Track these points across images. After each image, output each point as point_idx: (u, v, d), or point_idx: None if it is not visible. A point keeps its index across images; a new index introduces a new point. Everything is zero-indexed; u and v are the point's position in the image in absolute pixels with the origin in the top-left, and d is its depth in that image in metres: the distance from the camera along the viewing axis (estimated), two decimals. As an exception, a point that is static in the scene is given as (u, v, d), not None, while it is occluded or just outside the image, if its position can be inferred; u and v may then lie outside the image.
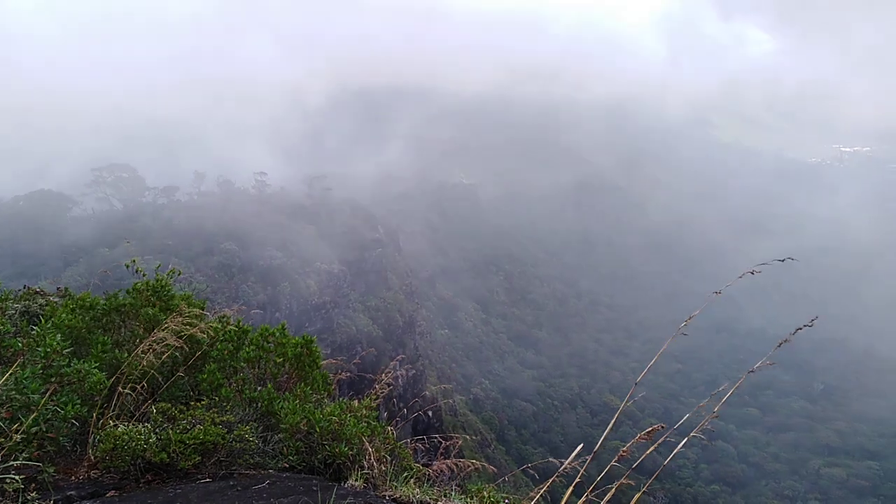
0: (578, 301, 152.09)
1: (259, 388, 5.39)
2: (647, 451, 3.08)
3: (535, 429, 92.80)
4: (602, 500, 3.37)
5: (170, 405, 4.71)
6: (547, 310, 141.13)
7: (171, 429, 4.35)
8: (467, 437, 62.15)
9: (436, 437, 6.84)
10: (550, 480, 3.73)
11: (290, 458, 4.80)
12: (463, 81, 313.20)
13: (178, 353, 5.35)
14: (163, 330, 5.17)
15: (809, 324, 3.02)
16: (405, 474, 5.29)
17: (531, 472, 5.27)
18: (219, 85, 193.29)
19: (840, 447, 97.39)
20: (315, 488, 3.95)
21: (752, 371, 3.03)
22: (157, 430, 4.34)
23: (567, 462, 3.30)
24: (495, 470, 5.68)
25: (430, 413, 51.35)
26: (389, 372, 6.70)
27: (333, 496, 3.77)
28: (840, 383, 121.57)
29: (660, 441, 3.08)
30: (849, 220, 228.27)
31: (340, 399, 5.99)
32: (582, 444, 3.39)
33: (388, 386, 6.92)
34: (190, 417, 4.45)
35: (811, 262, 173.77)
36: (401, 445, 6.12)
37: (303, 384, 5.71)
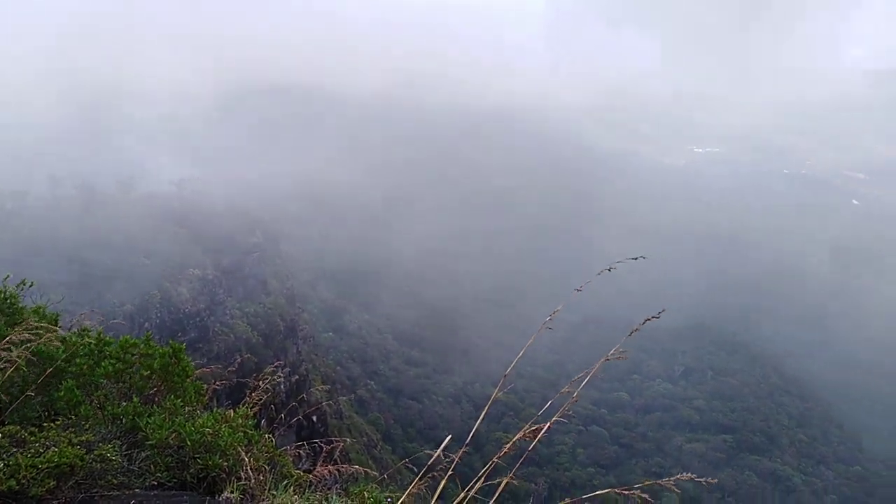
0: (462, 299, 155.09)
1: (124, 403, 5.08)
2: (531, 446, 3.23)
3: (421, 426, 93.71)
4: (483, 491, 3.48)
5: (19, 428, 4.32)
6: (431, 309, 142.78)
7: (21, 453, 3.99)
8: (353, 439, 61.60)
9: (317, 442, 6.75)
10: (421, 474, 3.81)
11: (159, 474, 4.55)
12: (354, 83, 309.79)
13: (27, 371, 4.91)
14: (4, 345, 4.72)
15: (657, 315, 3.29)
16: (285, 482, 5.18)
17: (413, 467, 5.33)
18: (91, 85, 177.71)
19: (699, 423, 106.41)
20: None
21: (606, 359, 3.25)
22: (4, 457, 3.97)
23: (435, 454, 3.39)
24: (376, 474, 5.70)
25: (314, 418, 50.38)
26: (267, 378, 6.52)
27: (205, 510, 3.62)
28: (697, 364, 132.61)
29: (541, 435, 3.24)
30: (707, 215, 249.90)
31: (216, 409, 5.76)
32: (450, 436, 3.49)
33: (267, 392, 6.73)
34: (42, 439, 4.11)
35: (670, 255, 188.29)
36: (280, 453, 5.98)
37: (172, 396, 5.44)
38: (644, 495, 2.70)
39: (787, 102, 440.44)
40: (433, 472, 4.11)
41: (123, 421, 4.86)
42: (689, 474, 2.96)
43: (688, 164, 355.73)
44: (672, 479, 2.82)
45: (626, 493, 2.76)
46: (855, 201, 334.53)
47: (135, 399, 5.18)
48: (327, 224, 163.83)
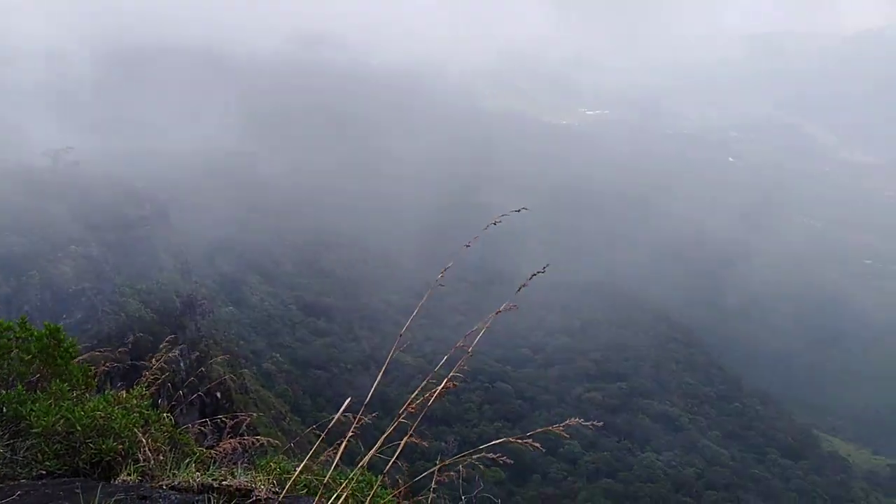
0: (366, 265, 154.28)
1: (3, 391, 4.75)
2: (430, 403, 3.31)
3: (331, 394, 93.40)
4: (391, 452, 3.55)
5: None
6: (335, 276, 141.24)
7: None
8: (260, 413, 60.56)
9: (220, 418, 6.61)
10: (321, 439, 3.85)
11: (48, 463, 4.32)
12: (247, 46, 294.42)
13: None
14: None
15: (542, 270, 3.44)
16: (187, 461, 5.06)
17: (321, 434, 5.34)
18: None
19: (597, 373, 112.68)
20: (77, 490, 3.62)
21: (498, 312, 3.38)
22: None
23: (335, 418, 3.43)
24: (278, 444, 5.67)
25: (217, 394, 49.03)
26: (161, 356, 6.29)
27: (99, 494, 3.49)
28: (594, 318, 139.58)
29: (440, 390, 3.33)
30: (599, 174, 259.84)
31: (107, 392, 5.50)
32: (350, 399, 3.54)
33: (164, 371, 6.49)
34: None
35: (564, 213, 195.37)
36: (181, 432, 5.82)
37: (58, 381, 5.14)
38: (536, 444, 2.85)
39: (671, 66, 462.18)
40: (341, 439, 4.15)
41: (5, 410, 4.56)
42: (577, 419, 3.16)
43: (580, 125, 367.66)
44: (561, 425, 3.00)
45: (521, 442, 2.91)
46: (731, 158, 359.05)
47: (19, 386, 4.86)
48: (222, 194, 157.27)
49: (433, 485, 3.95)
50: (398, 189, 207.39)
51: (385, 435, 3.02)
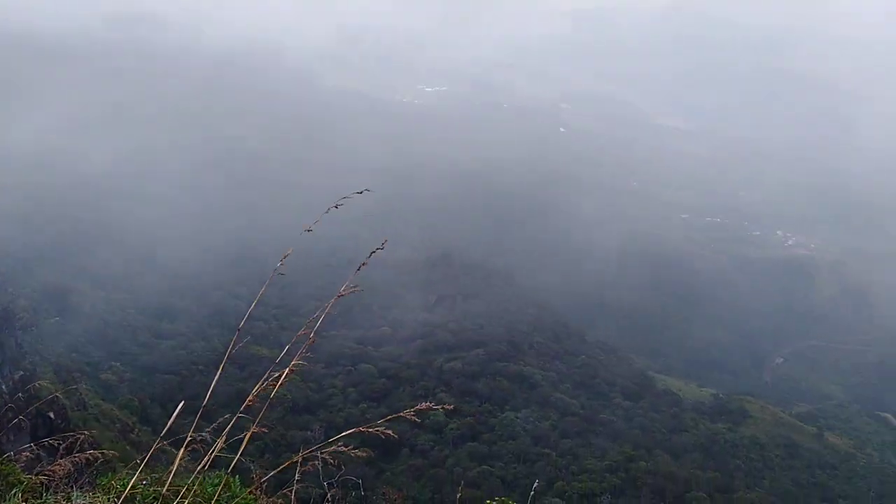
0: (206, 256, 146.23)
1: None
2: (272, 393, 3.25)
3: (184, 398, 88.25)
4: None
5: None
6: (175, 274, 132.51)
7: None
8: (102, 428, 55.84)
9: (49, 441, 6.04)
10: (157, 443, 3.69)
11: None
12: (58, 22, 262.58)
13: None
14: None
15: (381, 247, 3.50)
16: (14, 490, 4.61)
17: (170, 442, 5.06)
18: None
19: (455, 343, 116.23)
20: None
21: (341, 295, 3.39)
22: None
23: (170, 422, 3.29)
24: (114, 456, 5.32)
25: (50, 414, 44.46)
26: (-31, 382, 5.61)
27: None
28: (448, 291, 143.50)
29: (284, 380, 3.28)
30: (440, 150, 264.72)
31: None
32: (183, 402, 3.41)
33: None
34: None
35: (408, 192, 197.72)
36: (4, 461, 5.28)
37: None
38: (388, 431, 2.92)
39: (502, 41, 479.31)
40: (195, 444, 3.96)
41: None
42: (428, 403, 3.26)
43: (420, 102, 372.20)
44: (411, 410, 3.08)
45: (371, 431, 2.96)
46: (561, 128, 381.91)
47: None
48: (38, 195, 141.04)
49: (297, 476, 3.91)
50: (235, 179, 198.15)
51: (224, 431, 2.94)
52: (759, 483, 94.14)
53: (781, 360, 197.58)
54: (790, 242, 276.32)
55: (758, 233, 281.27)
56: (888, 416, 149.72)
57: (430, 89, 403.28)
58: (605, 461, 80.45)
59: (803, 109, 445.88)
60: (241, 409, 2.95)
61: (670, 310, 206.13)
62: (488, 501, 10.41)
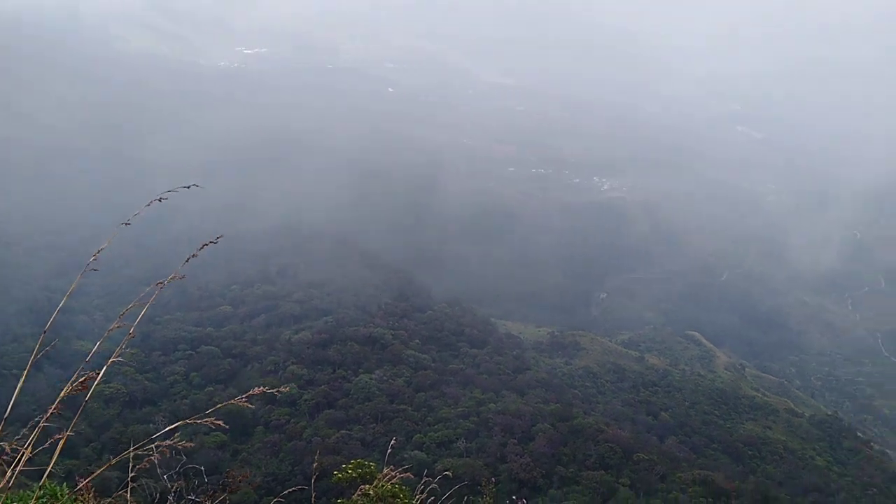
0: (12, 247, 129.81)
1: None
2: (88, 396, 2.99)
3: (-3, 410, 78.57)
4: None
5: None
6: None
7: None
8: None
9: None
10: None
11: None
12: None
13: None
14: None
15: (215, 241, 3.29)
16: None
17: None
18: None
19: (302, 314, 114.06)
20: None
21: (161, 285, 3.16)
22: None
23: None
24: None
25: None
26: None
27: None
28: (290, 261, 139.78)
29: (98, 381, 3.01)
30: (263, 114, 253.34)
31: None
32: None
33: None
34: None
35: (240, 156, 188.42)
36: None
37: None
38: (219, 422, 2.80)
39: (322, 2, 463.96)
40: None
41: None
42: (261, 388, 3.17)
43: (239, 65, 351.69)
44: (243, 397, 2.97)
45: (199, 422, 2.82)
46: (390, 88, 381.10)
47: None
48: None
49: (132, 473, 3.64)
50: (40, 153, 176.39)
51: (30, 440, 2.66)
52: (595, 408, 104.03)
53: (605, 294, 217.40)
54: (606, 187, 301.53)
55: (577, 180, 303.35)
56: (695, 333, 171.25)
57: (249, 51, 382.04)
58: (458, 408, 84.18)
59: (614, 66, 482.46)
60: (46, 416, 2.67)
61: (505, 259, 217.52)
62: (344, 466, 10.52)
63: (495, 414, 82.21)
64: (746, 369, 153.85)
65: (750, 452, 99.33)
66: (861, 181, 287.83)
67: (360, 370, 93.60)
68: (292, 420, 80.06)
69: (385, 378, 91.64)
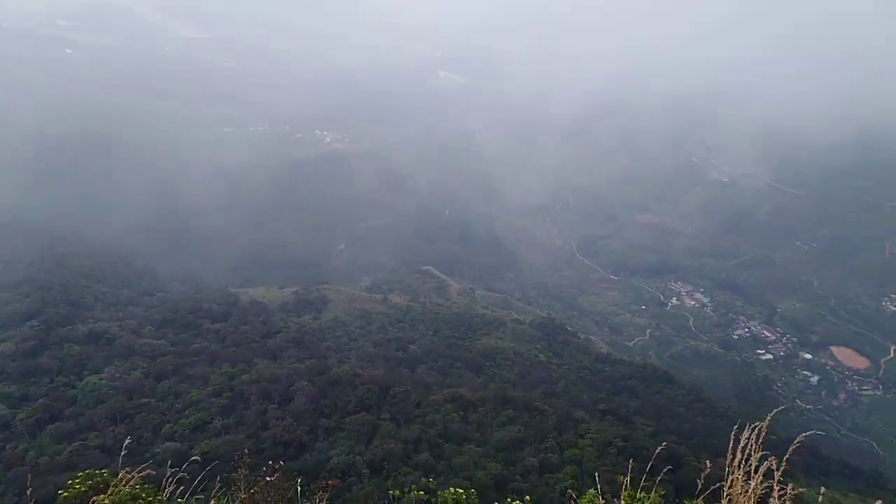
0: None
1: None
2: None
3: None
4: None
5: None
6: None
7: None
8: None
9: None
10: None
11: None
12: None
13: None
14: None
15: None
16: None
17: None
18: None
19: (7, 320, 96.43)
20: None
21: None
22: None
23: None
24: None
25: None
26: None
27: None
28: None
29: None
30: None
31: None
32: None
33: None
34: None
35: None
36: None
37: None
38: None
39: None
40: None
41: None
42: None
43: None
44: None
45: None
46: (68, 50, 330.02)
47: None
48: None
49: None
50: None
51: None
52: (349, 355, 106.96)
53: (343, 245, 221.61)
54: (328, 139, 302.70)
55: (300, 135, 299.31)
56: (429, 268, 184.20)
57: None
58: (208, 388, 79.79)
59: (317, 16, 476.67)
60: None
61: (240, 224, 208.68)
62: (70, 481, 9.46)
63: (249, 384, 79.75)
64: (476, 292, 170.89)
65: (487, 363, 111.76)
66: (557, 118, 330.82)
67: (86, 372, 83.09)
68: (8, 446, 68.48)
69: (117, 375, 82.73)
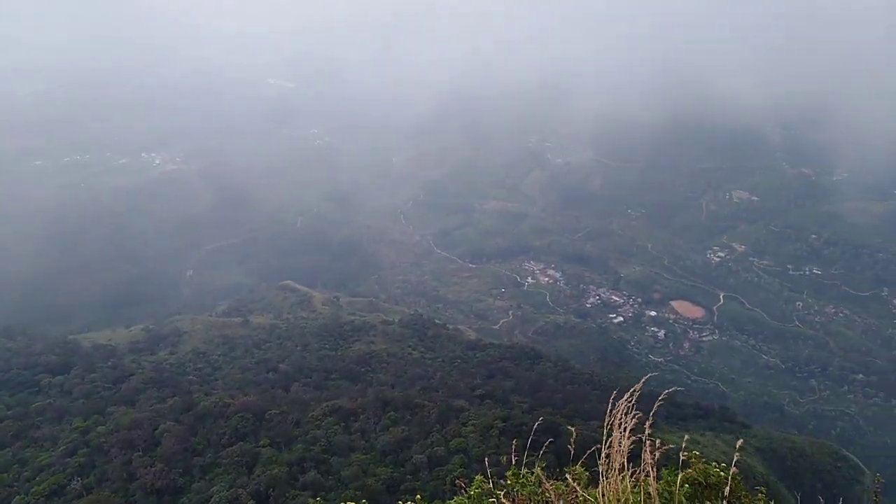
0: None
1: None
2: None
3: None
4: None
5: None
6: None
7: None
8: None
9: None
10: None
11: None
12: None
13: None
14: None
15: None
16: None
17: None
18: None
19: None
20: None
21: None
22: None
23: None
24: None
25: None
26: None
27: None
28: None
29: None
30: None
31: None
32: None
33: None
34: None
35: None
36: None
37: None
38: None
39: None
40: None
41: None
42: None
43: None
44: None
45: None
46: None
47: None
48: None
49: None
50: None
51: None
52: (215, 385, 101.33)
53: (191, 271, 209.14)
54: (158, 162, 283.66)
55: (124, 160, 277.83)
56: (289, 282, 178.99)
57: None
58: (60, 448, 72.19)
59: (136, 30, 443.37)
60: None
61: (75, 266, 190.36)
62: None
63: (107, 435, 73.12)
64: (341, 299, 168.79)
65: (363, 369, 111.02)
66: (403, 120, 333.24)
67: None
68: None
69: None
